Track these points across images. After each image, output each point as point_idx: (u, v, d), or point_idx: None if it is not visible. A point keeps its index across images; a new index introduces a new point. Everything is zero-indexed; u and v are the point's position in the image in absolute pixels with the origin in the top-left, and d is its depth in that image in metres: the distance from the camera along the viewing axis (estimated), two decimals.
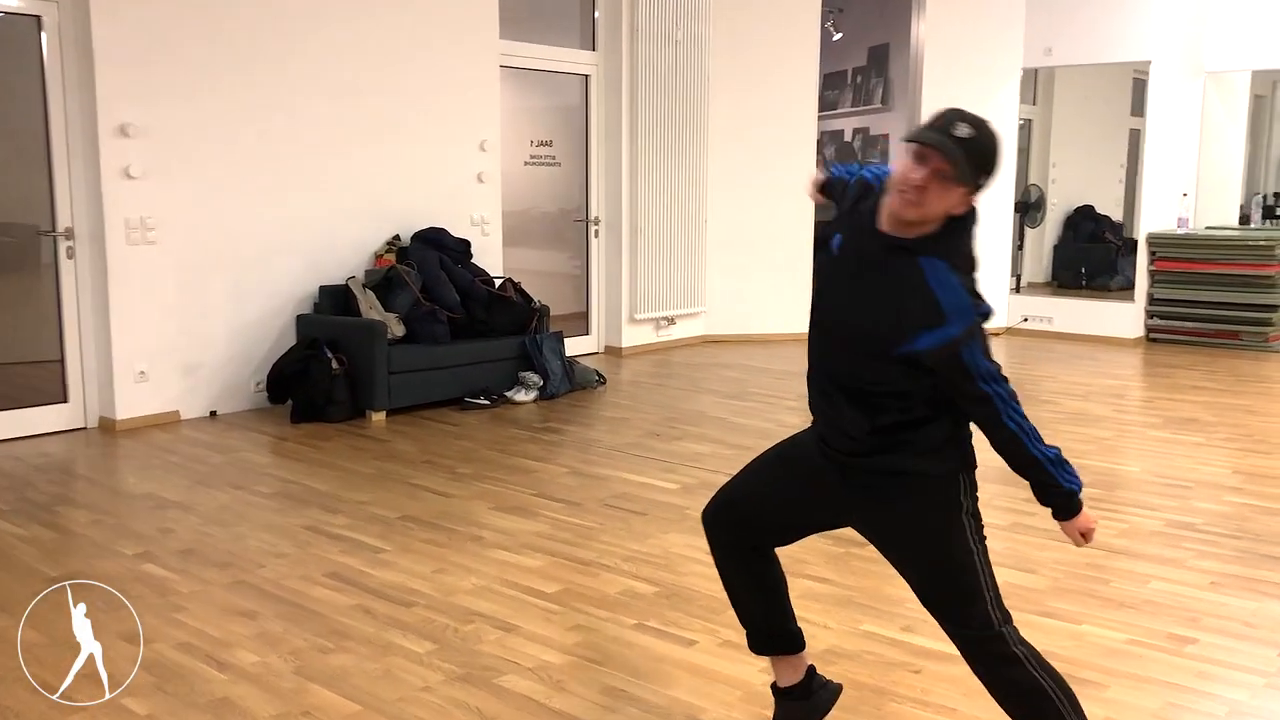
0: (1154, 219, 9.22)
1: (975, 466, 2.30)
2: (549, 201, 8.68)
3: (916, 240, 2.13)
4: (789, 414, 6.78)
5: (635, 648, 3.21)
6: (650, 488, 4.87)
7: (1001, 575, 3.67)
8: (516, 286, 7.20)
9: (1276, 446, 5.61)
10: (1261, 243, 8.65)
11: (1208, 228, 9.66)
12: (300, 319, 6.51)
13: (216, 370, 6.30)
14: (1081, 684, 2.96)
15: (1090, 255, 11.17)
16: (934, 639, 3.27)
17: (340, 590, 3.64)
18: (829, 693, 2.68)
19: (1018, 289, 9.96)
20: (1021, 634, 2.30)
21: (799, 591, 3.63)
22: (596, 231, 8.53)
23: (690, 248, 8.79)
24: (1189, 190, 9.57)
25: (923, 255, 2.11)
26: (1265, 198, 15.86)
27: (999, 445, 2.18)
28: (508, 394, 6.73)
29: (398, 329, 6.46)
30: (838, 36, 11.74)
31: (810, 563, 3.92)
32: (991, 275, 9.57)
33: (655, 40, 8.32)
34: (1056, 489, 2.19)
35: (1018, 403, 2.16)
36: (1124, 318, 9.24)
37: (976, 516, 2.31)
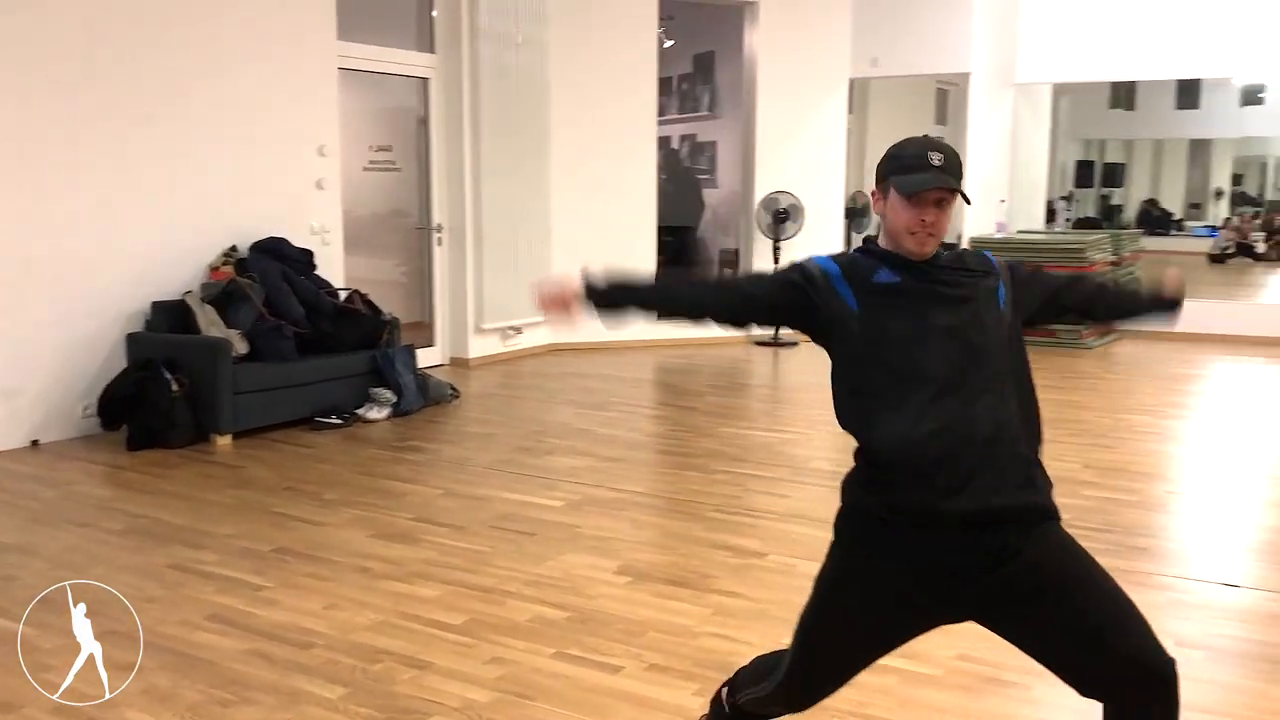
0: (975, 224, 9.67)
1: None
2: (389, 208, 8.37)
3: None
4: (651, 423, 6.77)
5: (560, 678, 3.09)
6: (534, 506, 4.73)
7: None
8: (364, 298, 6.90)
9: (1119, 440, 5.96)
10: (1073, 245, 9.21)
11: (1019, 231, 10.22)
12: (131, 338, 6.04)
13: (39, 395, 5.78)
14: (1006, 686, 3.04)
15: None
16: None
17: (226, 634, 3.37)
18: None
19: None
20: None
21: (712, 608, 3.60)
22: (439, 239, 8.29)
23: (536, 254, 8.66)
24: (1004, 196, 10.10)
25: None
26: (1064, 200, 16.94)
27: (1111, 298, 2.42)
28: (359, 412, 6.44)
29: (241, 346, 6.08)
30: (669, 44, 11.82)
31: (716, 577, 3.88)
32: None
33: (495, 43, 8.15)
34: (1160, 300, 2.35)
35: None
36: None
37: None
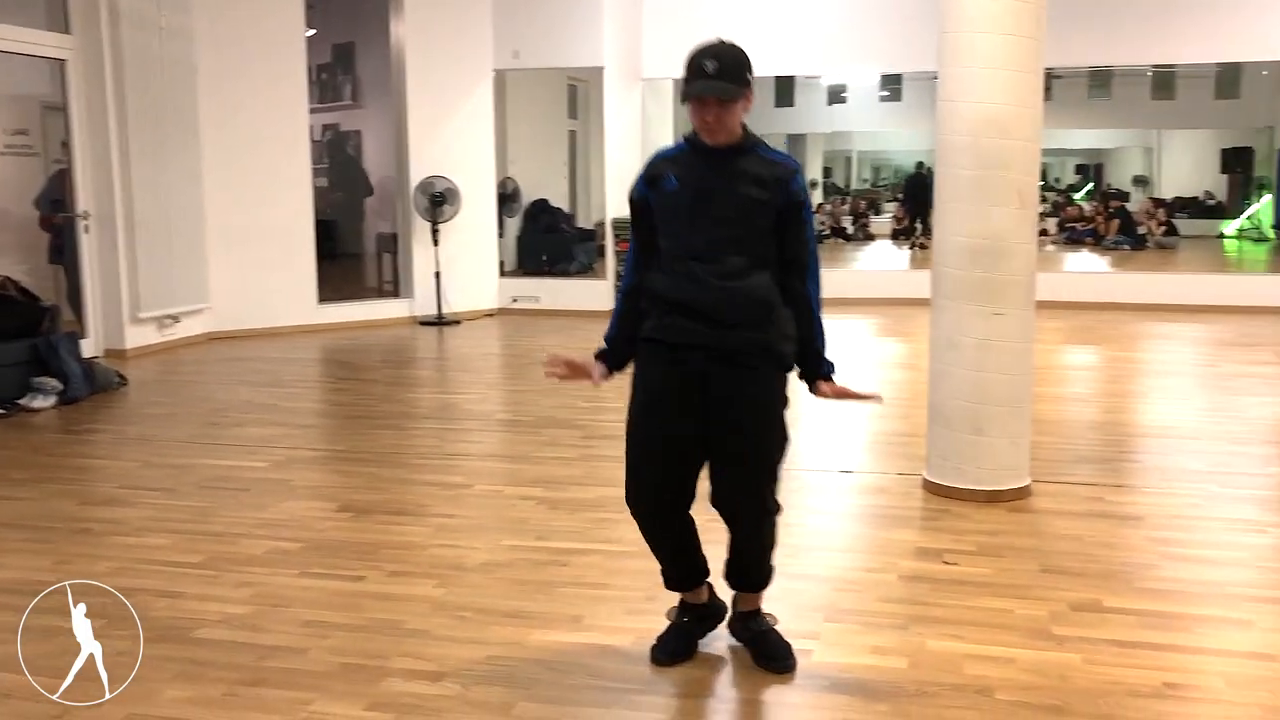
0: (615, 207, 10.56)
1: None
2: (27, 195, 7.96)
3: (733, 145, 2.65)
4: (335, 394, 7.01)
5: (310, 589, 3.42)
6: (240, 468, 4.91)
7: (594, 492, 4.36)
8: (17, 285, 6.62)
9: None
10: None
11: None
12: None
13: None
14: None
15: (550, 243, 12.42)
16: (565, 540, 3.86)
17: None
18: (721, 604, 3.05)
19: (502, 273, 10.84)
20: None
21: (435, 528, 4.05)
22: (86, 227, 7.99)
23: (191, 242, 8.54)
24: None
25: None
26: None
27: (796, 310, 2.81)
28: (22, 401, 6.21)
29: None
30: (310, 33, 11.84)
31: (432, 505, 4.32)
32: (481, 262, 10.38)
33: (138, 27, 7.97)
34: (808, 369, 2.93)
35: None
36: (598, 293, 10.49)
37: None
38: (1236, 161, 18.48)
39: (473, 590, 3.41)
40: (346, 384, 7.34)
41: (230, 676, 2.83)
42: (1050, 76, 15.73)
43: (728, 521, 2.84)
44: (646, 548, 3.72)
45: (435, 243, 9.65)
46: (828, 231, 18.60)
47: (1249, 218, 17.72)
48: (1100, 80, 16.81)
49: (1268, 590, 3.37)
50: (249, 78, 8.87)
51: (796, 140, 23.78)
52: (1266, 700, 2.65)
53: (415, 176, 9.73)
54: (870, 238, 18.91)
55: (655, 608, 3.23)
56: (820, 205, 20.41)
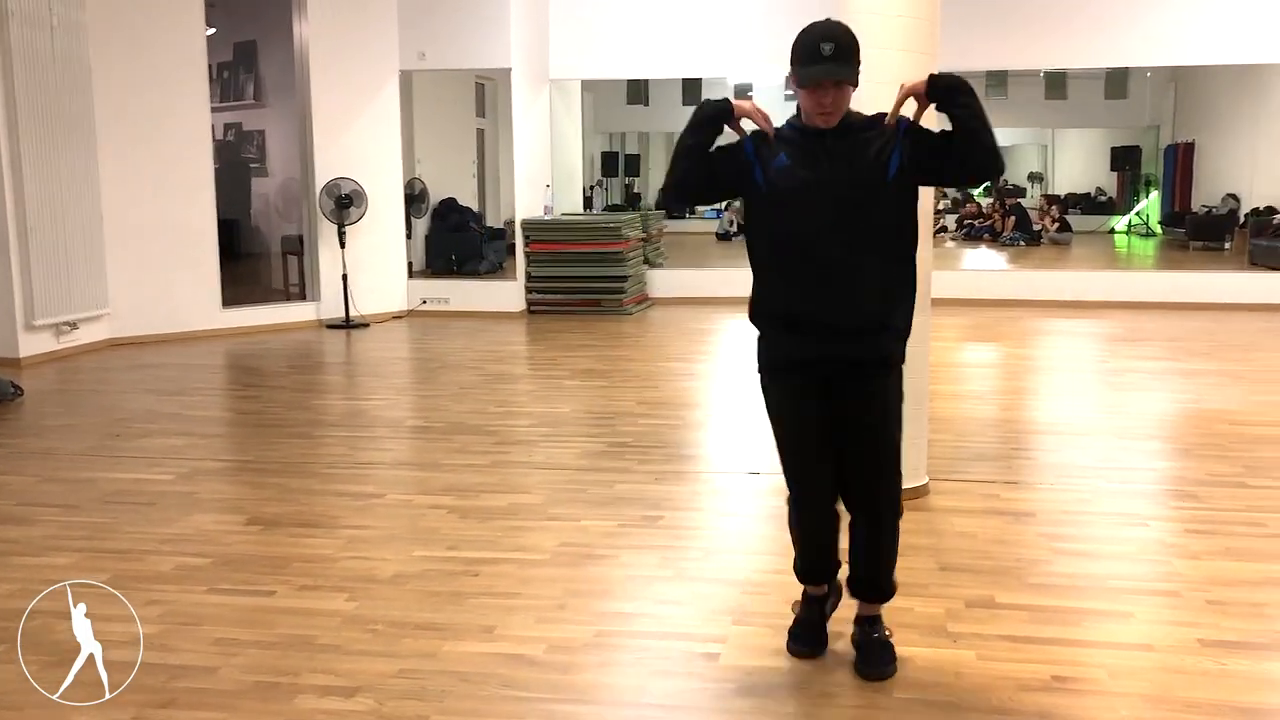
0: (524, 208, 10.57)
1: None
2: None
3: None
4: (242, 402, 6.92)
5: (220, 606, 3.41)
6: (145, 481, 4.84)
7: (505, 499, 4.40)
8: None
9: (661, 382, 7.04)
10: (611, 225, 10.39)
11: (564, 214, 11.29)
12: None
13: None
14: (599, 558, 3.78)
15: (459, 243, 12.37)
16: (477, 549, 3.89)
17: None
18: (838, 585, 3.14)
19: (410, 274, 10.76)
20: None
21: (345, 540, 4.05)
22: None
23: (88, 245, 8.32)
24: (549, 182, 11.10)
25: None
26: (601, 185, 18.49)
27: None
28: None
29: None
30: (210, 31, 11.60)
31: (342, 516, 4.31)
32: (389, 263, 10.30)
33: (27, 24, 7.74)
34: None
35: None
36: (508, 294, 10.50)
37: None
38: (1125, 159, 19.14)
39: (384, 603, 3.43)
40: (253, 391, 7.24)
41: (138, 699, 2.81)
42: None
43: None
44: (558, 555, 3.79)
45: (342, 245, 9.55)
46: (735, 229, 18.82)
47: (1137, 213, 18.39)
48: (997, 80, 17.24)
49: (1147, 583, 3.55)
50: (147, 76, 8.68)
51: None
52: (1145, 690, 2.81)
53: (321, 178, 9.61)
54: None
55: (567, 616, 3.29)
56: (730, 204, 20.62)
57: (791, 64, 2.65)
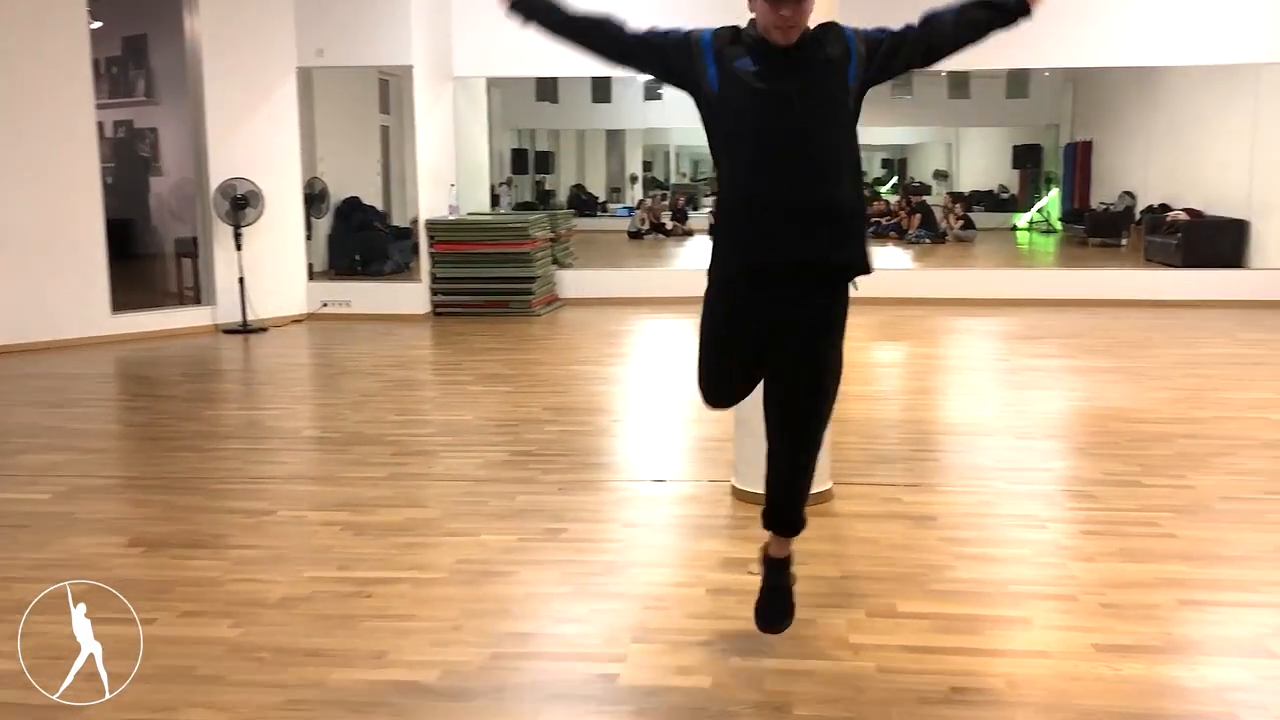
0: (429, 207, 10.38)
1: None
2: None
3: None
4: (130, 414, 6.65)
5: (104, 637, 3.21)
6: (18, 501, 4.59)
7: (402, 514, 4.28)
8: None
9: (570, 387, 6.94)
10: (518, 225, 10.25)
11: (470, 214, 11.12)
12: None
13: None
14: (498, 575, 3.68)
15: (363, 243, 12.13)
16: (370, 569, 3.76)
17: None
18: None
19: (311, 276, 10.49)
20: None
21: (233, 560, 3.89)
22: None
23: None
24: (454, 180, 10.92)
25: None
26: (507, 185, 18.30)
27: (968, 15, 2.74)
28: None
29: None
30: (96, 25, 11.16)
31: (230, 535, 4.13)
32: (288, 265, 10.03)
33: None
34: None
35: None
36: (413, 296, 10.30)
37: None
38: (1027, 157, 19.58)
39: (271, 629, 3.28)
40: (142, 401, 6.97)
41: None
42: None
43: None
44: (455, 574, 3.68)
45: (238, 247, 9.26)
46: (648, 227, 18.79)
47: (1039, 210, 18.81)
48: (903, 80, 17.52)
49: (1045, 587, 3.57)
50: (27, 71, 8.32)
51: (615, 136, 23.95)
52: (1042, 699, 2.81)
53: (216, 177, 9.31)
54: (689, 233, 19.20)
55: (462, 638, 3.19)
56: (640, 202, 20.60)
57: None
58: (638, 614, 3.36)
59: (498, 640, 3.18)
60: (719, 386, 2.98)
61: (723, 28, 2.74)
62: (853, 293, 2.80)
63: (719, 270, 2.80)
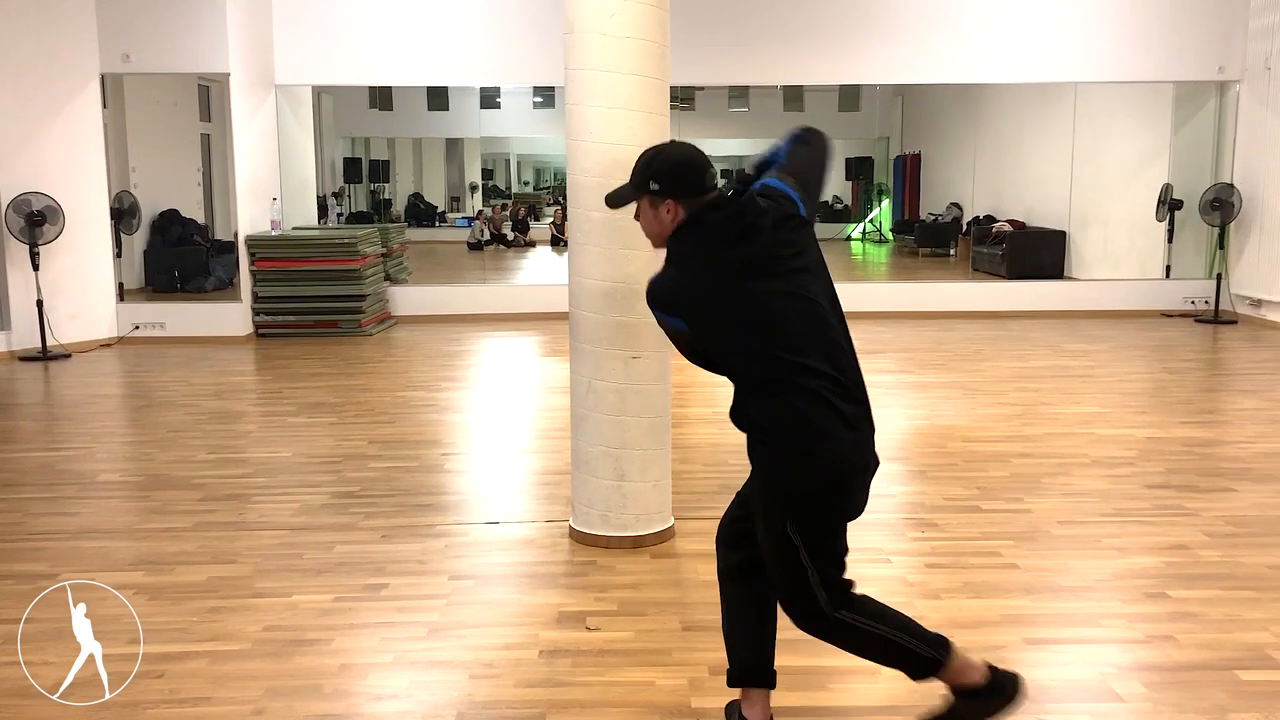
0: (249, 222, 9.79)
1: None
2: None
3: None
4: None
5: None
6: None
7: (205, 572, 3.89)
8: None
9: (399, 416, 6.56)
10: (346, 240, 9.76)
11: (295, 228, 10.56)
12: None
13: None
14: (309, 644, 3.34)
15: (182, 258, 11.44)
16: (164, 642, 3.36)
17: None
18: None
19: (121, 297, 9.77)
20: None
21: (2, 656, 3.42)
22: None
23: None
24: (277, 194, 10.35)
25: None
26: (333, 196, 17.65)
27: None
28: None
29: None
30: None
31: (3, 607, 3.65)
32: (94, 285, 9.31)
33: None
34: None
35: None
36: (233, 317, 9.70)
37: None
38: (859, 169, 20.00)
39: None
40: None
41: None
42: (694, 89, 16.36)
43: None
44: (261, 644, 3.33)
45: (35, 267, 8.53)
46: (488, 238, 18.40)
47: (871, 221, 19.24)
48: (738, 92, 17.66)
49: None
50: None
51: (454, 144, 23.39)
52: None
53: (8, 193, 8.55)
54: (531, 244, 18.90)
55: None
56: (480, 212, 20.17)
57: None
58: (464, 685, 3.08)
59: None
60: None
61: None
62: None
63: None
